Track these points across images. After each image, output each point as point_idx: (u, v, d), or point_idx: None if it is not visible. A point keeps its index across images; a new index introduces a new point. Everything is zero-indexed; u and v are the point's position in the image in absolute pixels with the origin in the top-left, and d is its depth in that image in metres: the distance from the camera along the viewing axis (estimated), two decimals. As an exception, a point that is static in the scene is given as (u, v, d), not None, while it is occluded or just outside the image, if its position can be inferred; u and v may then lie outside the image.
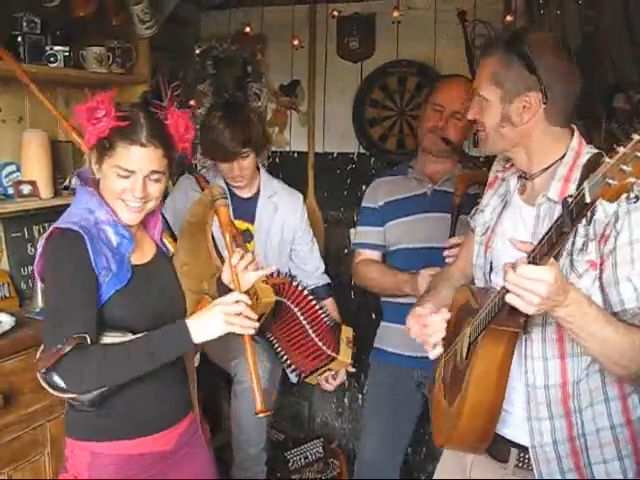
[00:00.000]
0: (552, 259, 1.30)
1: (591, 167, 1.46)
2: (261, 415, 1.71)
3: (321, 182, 3.67)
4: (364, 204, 2.70)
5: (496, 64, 1.58)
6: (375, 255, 2.66)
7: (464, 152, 2.74)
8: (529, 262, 1.31)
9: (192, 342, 1.63)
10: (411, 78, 3.43)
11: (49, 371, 1.59)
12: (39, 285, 2.52)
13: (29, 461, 2.30)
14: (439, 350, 1.67)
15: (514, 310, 1.47)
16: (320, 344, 2.57)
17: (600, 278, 1.49)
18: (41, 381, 1.63)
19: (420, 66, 3.39)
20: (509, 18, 3.08)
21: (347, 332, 2.67)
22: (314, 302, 2.63)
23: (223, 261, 1.89)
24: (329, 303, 2.83)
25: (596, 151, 1.57)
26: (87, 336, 1.59)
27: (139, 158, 1.66)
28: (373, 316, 3.44)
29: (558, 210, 1.52)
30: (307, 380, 2.70)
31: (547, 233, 1.28)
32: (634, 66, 2.86)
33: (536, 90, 1.54)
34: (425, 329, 1.69)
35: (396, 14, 3.27)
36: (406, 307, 2.43)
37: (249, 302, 1.69)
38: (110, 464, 1.74)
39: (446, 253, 2.30)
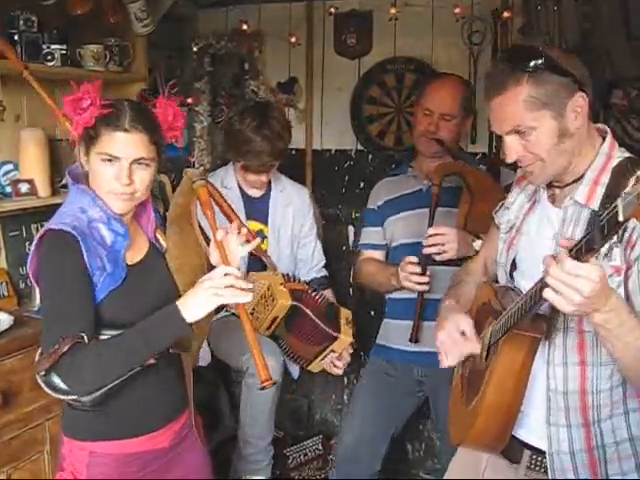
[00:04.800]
0: (595, 260, 1.26)
1: (620, 172, 1.45)
2: (266, 384, 1.67)
3: (319, 179, 3.67)
4: (367, 206, 2.75)
5: (527, 89, 1.45)
6: (377, 254, 2.69)
7: (460, 150, 2.75)
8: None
9: (185, 322, 1.60)
10: (408, 75, 3.44)
11: (48, 373, 1.58)
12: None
13: (28, 460, 2.30)
14: (454, 363, 1.69)
15: (538, 316, 1.46)
16: (325, 328, 2.62)
17: (626, 285, 1.45)
18: (42, 384, 1.62)
19: (417, 63, 3.40)
20: (506, 15, 3.09)
21: (346, 314, 2.73)
22: (320, 299, 2.71)
23: None
24: (327, 294, 2.88)
25: (628, 155, 1.54)
26: (84, 335, 1.58)
27: (123, 144, 1.64)
28: (372, 313, 3.45)
29: (585, 213, 1.50)
30: (310, 368, 2.70)
31: (577, 244, 1.24)
32: (631, 62, 2.86)
33: (576, 90, 1.47)
34: (454, 345, 1.68)
35: (393, 11, 3.28)
36: (408, 302, 2.48)
37: (239, 274, 1.65)
38: (109, 463, 1.73)
39: (424, 243, 2.33)
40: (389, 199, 2.64)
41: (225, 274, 1.63)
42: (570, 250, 1.26)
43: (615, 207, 1.12)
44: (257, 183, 2.74)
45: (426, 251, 2.33)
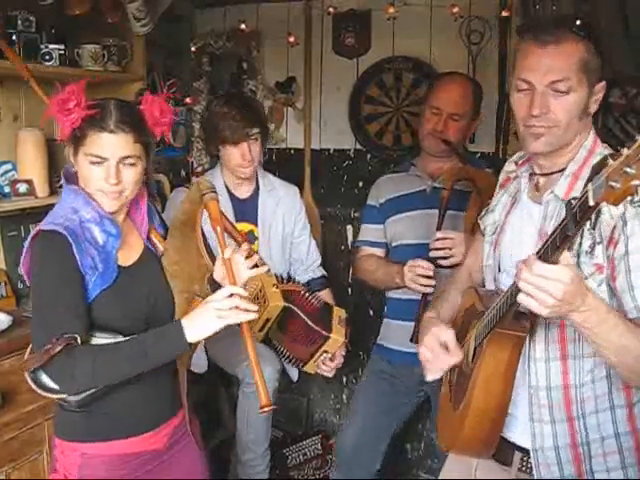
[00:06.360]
0: (569, 259, 1.26)
1: (601, 168, 1.46)
2: (266, 409, 1.62)
3: (318, 179, 3.67)
4: (367, 202, 2.73)
5: (583, 50, 1.47)
6: (377, 252, 2.68)
7: (465, 151, 2.74)
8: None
9: (186, 342, 1.58)
10: (407, 74, 3.44)
11: (37, 371, 1.57)
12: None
13: (27, 460, 2.30)
14: (438, 376, 1.66)
15: (520, 313, 1.45)
16: (317, 328, 2.58)
17: (613, 284, 1.45)
18: (29, 381, 1.60)
19: (416, 62, 3.40)
20: (505, 14, 3.09)
21: (339, 312, 2.70)
22: (313, 300, 2.67)
23: (214, 262, 1.85)
24: (325, 294, 2.85)
25: (610, 152, 1.54)
26: (77, 336, 1.56)
27: (109, 144, 1.64)
28: (371, 313, 3.45)
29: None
30: (306, 369, 2.70)
31: (552, 235, 1.24)
32: (630, 61, 2.86)
33: (599, 78, 1.49)
34: (436, 358, 1.65)
35: (392, 10, 3.28)
36: (409, 303, 2.48)
37: (245, 294, 1.63)
38: (101, 465, 1.72)
39: (432, 246, 2.32)
40: (391, 197, 2.62)
41: (231, 294, 1.61)
42: (545, 243, 1.26)
43: (585, 192, 1.13)
44: (244, 164, 2.62)
45: (433, 254, 2.31)
